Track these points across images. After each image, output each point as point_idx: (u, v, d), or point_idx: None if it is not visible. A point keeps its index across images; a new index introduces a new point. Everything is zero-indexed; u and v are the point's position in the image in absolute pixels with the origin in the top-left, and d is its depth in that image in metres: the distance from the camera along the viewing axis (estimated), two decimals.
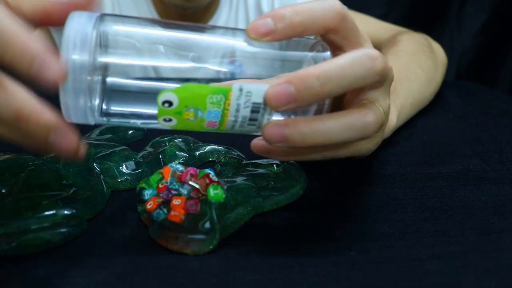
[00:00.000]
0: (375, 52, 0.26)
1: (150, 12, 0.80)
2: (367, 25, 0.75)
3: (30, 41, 0.21)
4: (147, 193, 0.31)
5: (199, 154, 0.40)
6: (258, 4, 0.82)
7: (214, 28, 0.27)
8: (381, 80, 0.27)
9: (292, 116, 0.27)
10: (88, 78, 0.23)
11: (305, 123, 0.25)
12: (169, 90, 0.24)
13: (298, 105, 0.24)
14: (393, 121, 0.41)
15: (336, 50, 0.28)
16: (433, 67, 0.58)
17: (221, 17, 0.82)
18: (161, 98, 0.24)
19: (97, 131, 0.44)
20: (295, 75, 0.24)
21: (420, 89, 0.51)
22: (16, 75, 0.22)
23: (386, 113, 0.30)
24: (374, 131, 0.27)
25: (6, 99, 0.22)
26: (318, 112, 0.27)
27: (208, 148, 0.40)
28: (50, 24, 0.25)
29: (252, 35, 0.25)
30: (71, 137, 0.24)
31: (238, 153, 0.40)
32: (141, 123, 0.27)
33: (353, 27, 0.27)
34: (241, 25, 0.83)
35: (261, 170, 0.35)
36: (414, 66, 0.54)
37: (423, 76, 0.53)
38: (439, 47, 0.67)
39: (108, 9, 0.81)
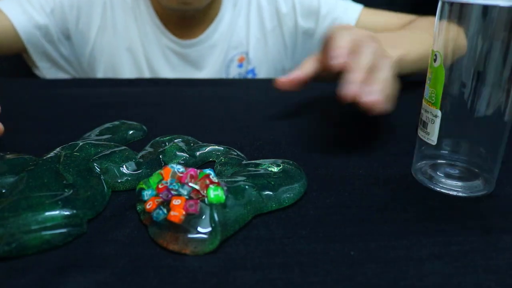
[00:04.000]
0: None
1: (149, 14, 0.78)
2: (381, 17, 0.80)
3: None
4: (147, 194, 0.31)
5: (199, 154, 0.40)
6: (275, 5, 0.81)
7: None
8: None
9: None
10: None
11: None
12: None
13: None
14: (395, 53, 0.48)
15: None
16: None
17: (225, 18, 0.80)
18: None
19: (96, 131, 0.44)
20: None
21: (427, 47, 0.60)
22: None
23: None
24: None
25: None
26: None
27: (208, 148, 0.40)
28: None
29: None
30: None
31: (238, 153, 0.40)
32: None
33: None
34: (254, 27, 0.81)
35: (261, 170, 0.35)
36: (423, 33, 0.62)
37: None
38: None
39: (98, 11, 0.78)
